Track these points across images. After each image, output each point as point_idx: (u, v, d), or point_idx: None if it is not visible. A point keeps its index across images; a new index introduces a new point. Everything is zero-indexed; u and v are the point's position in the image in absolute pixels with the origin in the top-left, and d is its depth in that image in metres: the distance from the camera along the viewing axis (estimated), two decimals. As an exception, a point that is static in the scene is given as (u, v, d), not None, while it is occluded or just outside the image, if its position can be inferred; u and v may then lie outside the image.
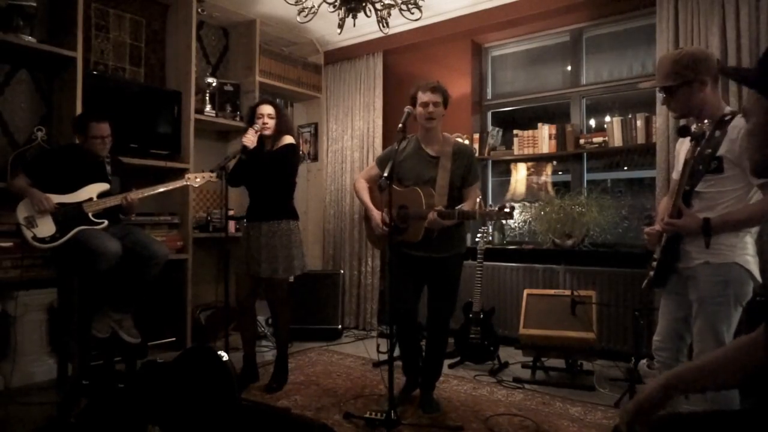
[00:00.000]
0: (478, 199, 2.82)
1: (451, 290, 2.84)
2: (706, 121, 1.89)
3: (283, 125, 3.15)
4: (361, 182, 3.01)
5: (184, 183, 3.18)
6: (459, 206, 2.65)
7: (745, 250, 1.91)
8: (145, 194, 3.10)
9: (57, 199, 2.85)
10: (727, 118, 1.87)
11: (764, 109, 0.95)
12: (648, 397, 1.14)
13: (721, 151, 1.85)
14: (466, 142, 4.15)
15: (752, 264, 1.91)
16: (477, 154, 4.35)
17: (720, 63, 3.11)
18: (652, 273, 2.06)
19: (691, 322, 1.97)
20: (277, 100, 5.48)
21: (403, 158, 2.80)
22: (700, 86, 1.92)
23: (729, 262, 1.88)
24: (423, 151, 2.79)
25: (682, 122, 2.61)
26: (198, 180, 3.19)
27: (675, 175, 2.20)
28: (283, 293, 3.20)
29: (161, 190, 3.15)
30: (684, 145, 2.08)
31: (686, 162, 1.91)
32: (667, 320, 2.09)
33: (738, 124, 1.83)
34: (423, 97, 2.71)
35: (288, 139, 3.13)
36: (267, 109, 3.10)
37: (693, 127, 1.89)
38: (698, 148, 1.89)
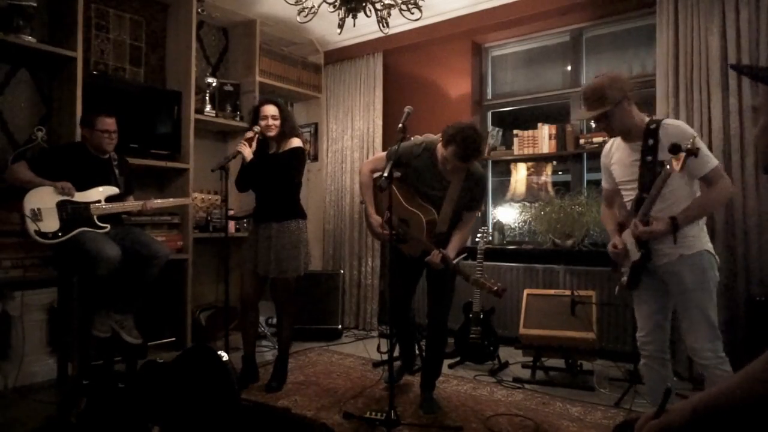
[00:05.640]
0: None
1: (447, 287, 2.85)
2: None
3: (287, 126, 3.10)
4: (367, 177, 2.97)
5: (189, 201, 3.64)
6: (457, 259, 2.76)
7: (707, 238, 2.14)
8: (164, 205, 3.26)
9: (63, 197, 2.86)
10: (652, 126, 2.08)
11: None
12: (676, 422, 1.06)
13: (661, 156, 2.02)
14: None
15: (712, 249, 2.14)
16: (477, 154, 4.37)
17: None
18: (625, 278, 2.24)
19: (680, 314, 2.13)
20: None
21: (417, 167, 2.75)
22: (628, 103, 2.11)
23: (700, 251, 2.09)
24: (437, 169, 2.71)
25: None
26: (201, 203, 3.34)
27: (606, 184, 2.41)
28: (290, 293, 3.19)
29: (169, 204, 3.38)
30: (616, 157, 2.27)
31: (644, 172, 2.09)
32: (646, 315, 2.25)
33: (667, 128, 2.06)
34: (450, 157, 2.54)
35: (295, 142, 3.10)
36: (271, 110, 3.06)
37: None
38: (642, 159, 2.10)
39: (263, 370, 3.30)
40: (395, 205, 2.62)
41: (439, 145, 2.63)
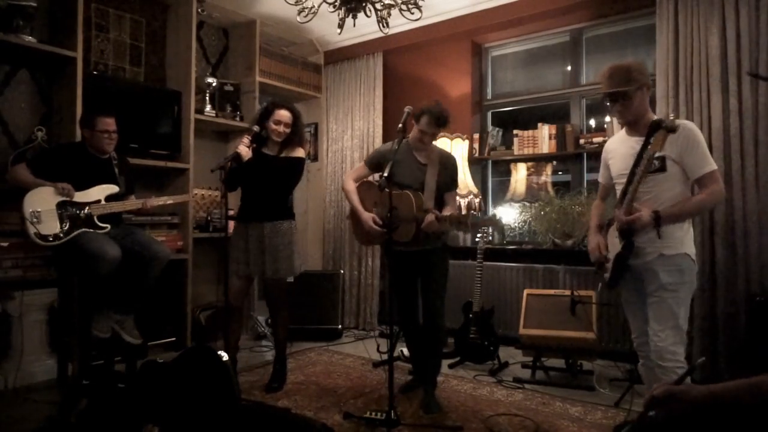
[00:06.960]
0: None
1: (438, 281, 2.90)
2: None
3: (297, 137, 3.11)
4: (351, 184, 3.07)
5: (189, 198, 3.56)
6: (448, 213, 2.79)
7: (691, 242, 2.15)
8: (166, 203, 3.25)
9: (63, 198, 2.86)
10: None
11: None
12: (688, 395, 1.06)
13: (662, 152, 2.03)
14: (456, 141, 4.16)
15: (695, 254, 2.15)
16: (477, 154, 4.38)
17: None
18: (607, 274, 2.24)
19: (650, 312, 2.13)
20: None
21: (397, 159, 2.81)
22: (647, 90, 2.15)
23: (681, 253, 2.09)
24: (413, 157, 2.92)
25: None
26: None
27: (602, 179, 2.45)
28: (283, 293, 3.19)
29: (170, 202, 3.34)
30: (616, 151, 2.28)
31: (637, 164, 2.07)
32: (639, 318, 2.26)
33: (682, 128, 2.04)
34: (424, 126, 2.81)
35: (300, 152, 3.14)
36: (286, 117, 3.05)
37: (662, 123, 2.00)
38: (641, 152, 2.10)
39: (263, 370, 3.30)
40: (383, 198, 2.71)
41: (414, 129, 2.86)
